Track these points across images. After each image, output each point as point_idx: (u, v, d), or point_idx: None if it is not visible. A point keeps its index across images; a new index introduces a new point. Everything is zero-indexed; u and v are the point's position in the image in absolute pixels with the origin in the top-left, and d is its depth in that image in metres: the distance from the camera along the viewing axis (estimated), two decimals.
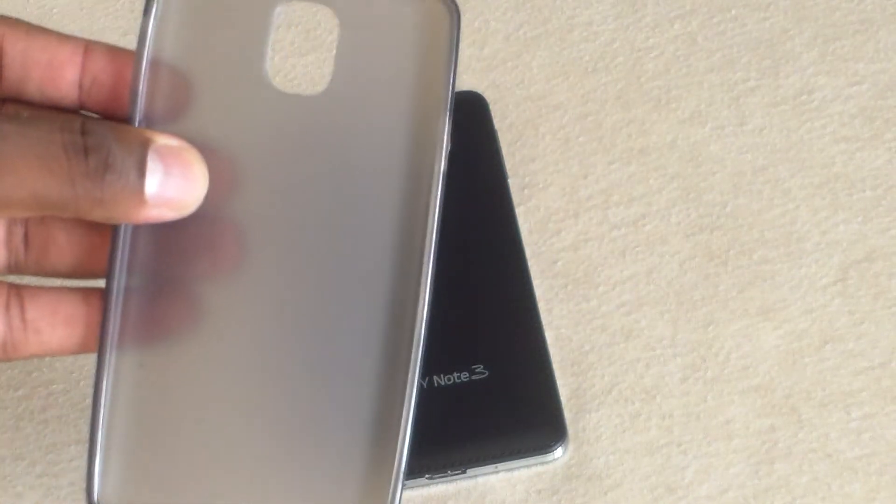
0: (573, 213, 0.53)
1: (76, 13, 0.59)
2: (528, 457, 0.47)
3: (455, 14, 0.35)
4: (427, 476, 0.47)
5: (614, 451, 0.48)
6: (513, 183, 0.53)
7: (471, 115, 0.55)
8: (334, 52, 0.35)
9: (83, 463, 0.48)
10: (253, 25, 0.35)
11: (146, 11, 0.36)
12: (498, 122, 0.55)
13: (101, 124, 0.34)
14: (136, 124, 0.36)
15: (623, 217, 0.53)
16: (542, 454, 0.47)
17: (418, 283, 0.35)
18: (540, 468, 0.48)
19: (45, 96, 0.36)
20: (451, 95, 0.35)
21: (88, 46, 0.36)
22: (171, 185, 0.34)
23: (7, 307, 0.36)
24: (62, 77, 0.36)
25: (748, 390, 0.49)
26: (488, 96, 0.55)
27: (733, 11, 0.58)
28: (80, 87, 0.36)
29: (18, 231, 0.37)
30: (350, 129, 0.35)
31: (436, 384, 0.48)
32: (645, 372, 0.49)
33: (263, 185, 0.36)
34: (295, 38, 0.57)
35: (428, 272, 0.35)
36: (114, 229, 0.36)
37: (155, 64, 0.36)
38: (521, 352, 0.49)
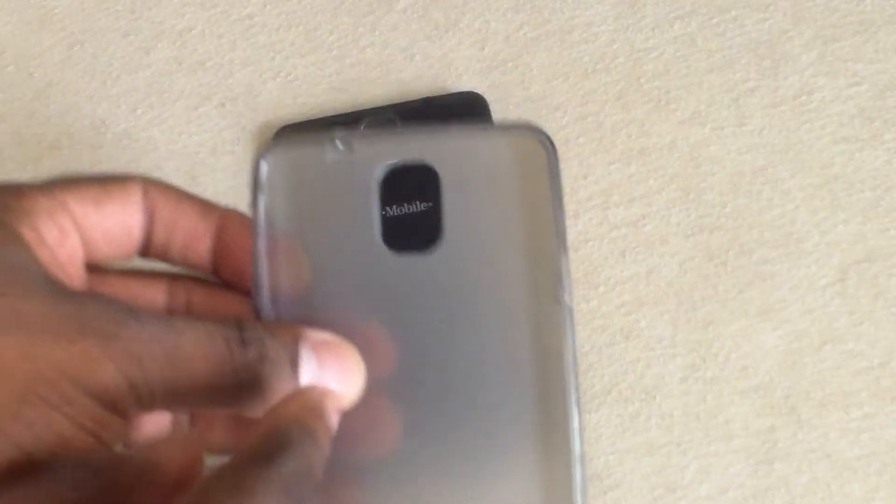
0: (573, 214, 0.53)
1: (77, 13, 0.59)
2: None
3: (551, 149, 0.35)
4: None
5: (614, 451, 0.48)
6: None
7: (471, 116, 0.55)
8: (441, 207, 0.35)
9: None
10: (359, 191, 0.36)
11: (255, 188, 0.36)
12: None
13: (253, 322, 0.35)
14: (263, 305, 0.36)
15: (623, 217, 0.53)
16: None
17: (566, 420, 0.35)
18: None
19: (186, 260, 0.38)
20: (563, 228, 0.35)
21: (224, 217, 0.38)
22: (327, 378, 0.34)
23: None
24: (200, 245, 0.37)
25: (748, 390, 0.49)
26: (488, 96, 0.55)
27: (733, 12, 0.58)
28: (214, 254, 0.37)
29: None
30: (471, 281, 0.35)
31: None
32: (645, 372, 0.49)
33: (405, 354, 0.36)
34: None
35: (574, 406, 0.35)
36: None
37: (272, 240, 0.36)
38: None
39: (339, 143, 0.36)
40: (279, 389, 0.34)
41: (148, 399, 0.33)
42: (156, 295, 0.38)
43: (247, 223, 0.37)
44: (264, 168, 0.36)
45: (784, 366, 0.49)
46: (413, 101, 0.56)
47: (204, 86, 0.57)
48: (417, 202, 0.52)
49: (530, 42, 0.57)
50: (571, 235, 0.53)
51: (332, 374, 0.34)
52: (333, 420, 0.34)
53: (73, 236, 0.36)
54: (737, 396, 0.49)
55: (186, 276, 0.39)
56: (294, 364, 0.34)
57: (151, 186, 0.37)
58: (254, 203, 0.36)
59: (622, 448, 0.48)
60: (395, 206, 0.52)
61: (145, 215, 0.37)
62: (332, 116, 0.56)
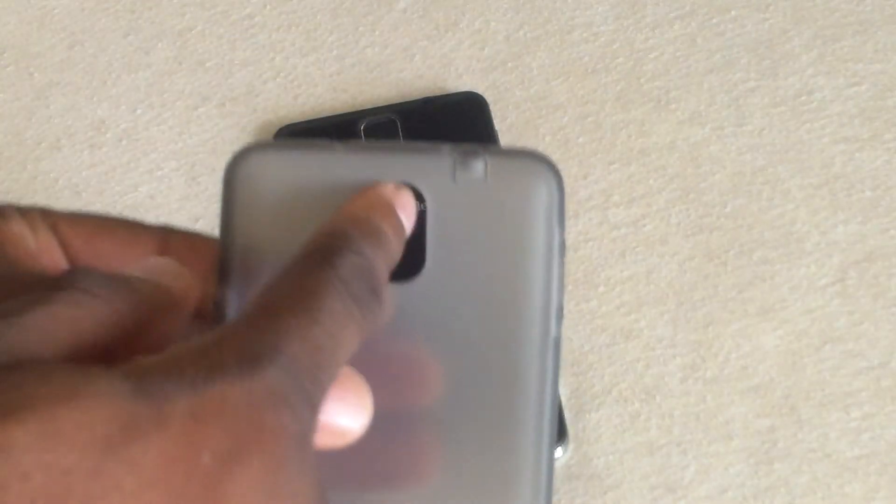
0: (573, 214, 0.53)
1: (77, 14, 0.59)
2: None
3: (554, 181, 0.33)
4: None
5: (614, 451, 0.48)
6: None
7: (471, 116, 0.55)
8: (426, 234, 0.33)
9: None
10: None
11: (226, 203, 0.33)
12: (498, 123, 0.55)
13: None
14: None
15: (623, 217, 0.53)
16: None
17: (538, 458, 0.34)
18: None
19: None
20: (562, 261, 0.33)
21: (164, 240, 0.33)
22: (327, 409, 0.31)
23: None
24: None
25: (748, 390, 0.49)
26: (488, 97, 0.55)
27: (733, 12, 0.58)
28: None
29: None
30: (451, 311, 0.34)
31: None
32: (645, 372, 0.49)
33: (384, 383, 0.34)
34: None
35: (546, 441, 0.33)
36: None
37: (243, 259, 0.33)
38: None
39: (323, 153, 0.33)
40: None
41: None
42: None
43: (196, 241, 0.34)
44: (241, 173, 0.33)
45: (784, 366, 0.49)
46: (413, 101, 0.56)
47: (204, 86, 0.57)
48: None
49: (530, 42, 0.58)
50: (571, 235, 0.53)
51: (332, 405, 0.31)
52: (404, 220, 0.32)
53: None
54: (737, 396, 0.49)
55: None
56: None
57: (60, 222, 0.33)
58: (225, 213, 0.33)
59: (622, 448, 0.48)
60: None
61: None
62: (332, 116, 0.56)
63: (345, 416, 0.31)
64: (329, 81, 0.57)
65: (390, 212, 0.32)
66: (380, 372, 0.32)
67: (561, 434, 0.47)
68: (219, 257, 0.33)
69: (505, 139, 0.55)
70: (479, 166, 0.33)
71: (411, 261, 0.33)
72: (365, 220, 0.31)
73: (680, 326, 0.50)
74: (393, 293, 0.32)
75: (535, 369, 0.33)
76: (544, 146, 0.55)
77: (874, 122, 0.55)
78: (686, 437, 0.48)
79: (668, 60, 0.57)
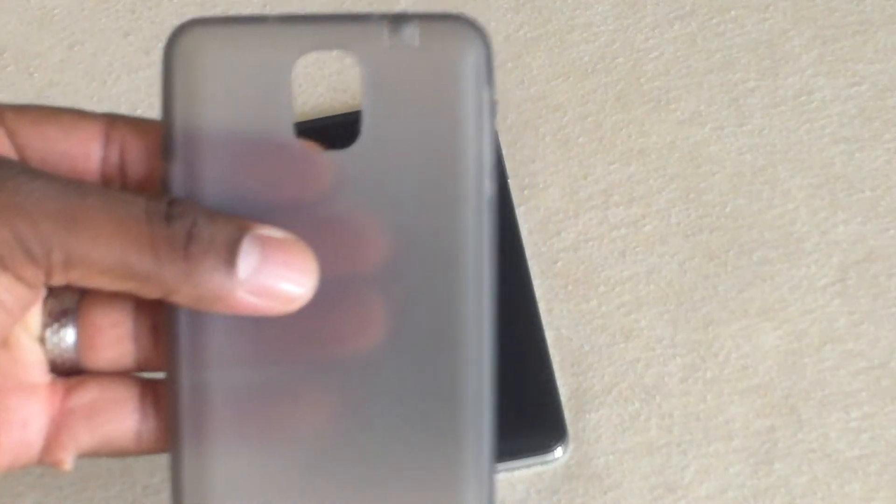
0: (573, 214, 0.53)
1: (77, 14, 0.59)
2: (528, 457, 0.47)
3: (481, 43, 0.33)
4: None
5: (614, 451, 0.48)
6: (513, 183, 0.53)
7: None
8: (363, 102, 0.33)
9: (84, 462, 0.48)
10: (275, 82, 0.34)
11: (166, 81, 0.34)
12: (498, 123, 0.55)
13: (192, 203, 0.32)
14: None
15: (623, 217, 0.53)
16: (542, 454, 0.47)
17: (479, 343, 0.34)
18: (540, 468, 0.48)
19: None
20: (491, 111, 0.33)
21: (110, 124, 0.34)
22: (272, 273, 0.31)
23: (143, 401, 0.34)
24: (88, 164, 0.33)
25: (748, 390, 0.49)
26: None
27: (733, 12, 0.58)
28: (113, 169, 0.33)
29: (146, 322, 0.34)
30: (387, 177, 0.34)
31: None
32: (645, 372, 0.49)
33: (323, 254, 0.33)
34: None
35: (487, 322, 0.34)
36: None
37: (185, 134, 0.34)
38: (521, 352, 0.49)
39: (256, 26, 0.34)
40: (209, 278, 0.31)
41: (44, 260, 0.30)
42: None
43: (141, 125, 0.34)
44: (177, 50, 0.34)
45: (784, 366, 0.49)
46: None
47: None
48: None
49: (530, 42, 0.57)
50: (571, 235, 0.53)
51: (277, 269, 0.31)
52: None
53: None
54: (737, 396, 0.49)
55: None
56: (230, 250, 0.31)
57: (5, 111, 0.33)
58: (165, 90, 0.34)
59: (622, 448, 0.48)
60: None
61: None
62: (332, 116, 0.56)
63: (292, 281, 0.31)
64: (329, 81, 0.57)
65: None
66: (322, 238, 0.33)
67: (561, 434, 0.47)
68: (162, 135, 0.34)
69: (505, 139, 0.55)
70: (411, 32, 0.33)
71: (348, 127, 0.34)
72: None
73: (680, 326, 0.50)
74: (331, 161, 0.33)
75: (473, 228, 0.34)
76: (544, 146, 0.55)
77: (874, 122, 0.55)
78: (686, 437, 0.48)
79: (668, 60, 0.57)
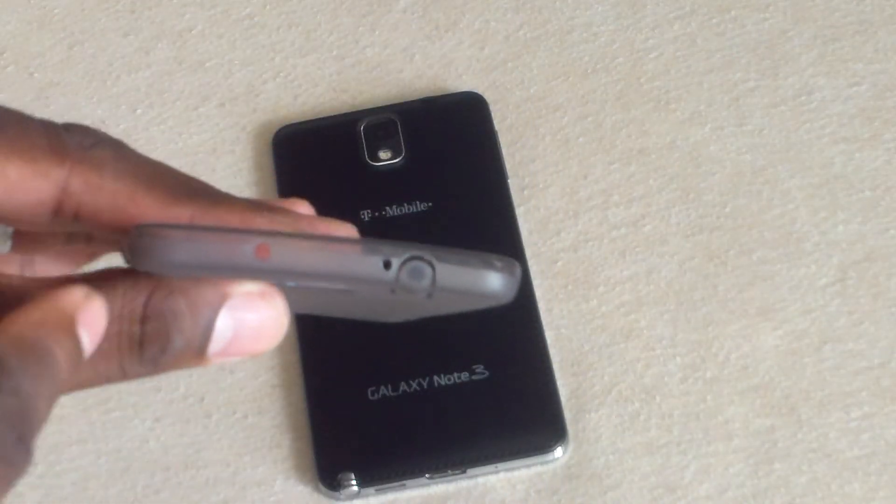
0: (573, 214, 0.53)
1: (77, 14, 0.59)
2: (528, 457, 0.47)
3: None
4: (427, 476, 0.47)
5: (614, 451, 0.48)
6: (513, 183, 0.53)
7: (471, 116, 0.55)
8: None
9: (84, 463, 0.48)
10: None
11: None
12: (498, 123, 0.55)
13: (171, 297, 0.29)
14: None
15: (623, 217, 0.53)
16: (542, 454, 0.47)
17: None
18: (540, 468, 0.48)
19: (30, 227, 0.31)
20: None
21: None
22: (241, 345, 0.30)
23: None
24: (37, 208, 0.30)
25: (748, 390, 0.49)
26: (488, 97, 0.55)
27: (733, 12, 0.58)
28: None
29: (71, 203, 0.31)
30: None
31: (436, 384, 0.48)
32: (645, 372, 0.49)
33: None
34: None
35: None
36: None
37: None
38: (521, 352, 0.49)
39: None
40: (175, 366, 0.29)
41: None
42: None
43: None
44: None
45: (784, 366, 0.49)
46: (413, 101, 0.56)
47: (204, 86, 0.57)
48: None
49: (530, 42, 0.57)
50: (571, 235, 0.53)
51: (247, 341, 0.29)
52: (85, 339, 0.27)
53: None
54: (737, 396, 0.49)
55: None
56: (205, 338, 0.29)
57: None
58: None
59: (622, 448, 0.48)
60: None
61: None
62: (332, 116, 0.56)
63: (261, 343, 0.30)
64: (329, 81, 0.57)
65: (67, 330, 0.27)
66: None
67: (561, 434, 0.47)
68: None
69: (505, 139, 0.55)
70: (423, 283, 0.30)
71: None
72: (31, 342, 0.27)
73: (680, 326, 0.50)
74: None
75: None
76: (544, 146, 0.55)
77: (874, 122, 0.55)
78: (686, 437, 0.48)
79: (668, 60, 0.57)
